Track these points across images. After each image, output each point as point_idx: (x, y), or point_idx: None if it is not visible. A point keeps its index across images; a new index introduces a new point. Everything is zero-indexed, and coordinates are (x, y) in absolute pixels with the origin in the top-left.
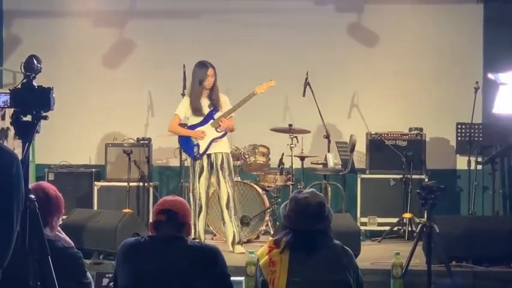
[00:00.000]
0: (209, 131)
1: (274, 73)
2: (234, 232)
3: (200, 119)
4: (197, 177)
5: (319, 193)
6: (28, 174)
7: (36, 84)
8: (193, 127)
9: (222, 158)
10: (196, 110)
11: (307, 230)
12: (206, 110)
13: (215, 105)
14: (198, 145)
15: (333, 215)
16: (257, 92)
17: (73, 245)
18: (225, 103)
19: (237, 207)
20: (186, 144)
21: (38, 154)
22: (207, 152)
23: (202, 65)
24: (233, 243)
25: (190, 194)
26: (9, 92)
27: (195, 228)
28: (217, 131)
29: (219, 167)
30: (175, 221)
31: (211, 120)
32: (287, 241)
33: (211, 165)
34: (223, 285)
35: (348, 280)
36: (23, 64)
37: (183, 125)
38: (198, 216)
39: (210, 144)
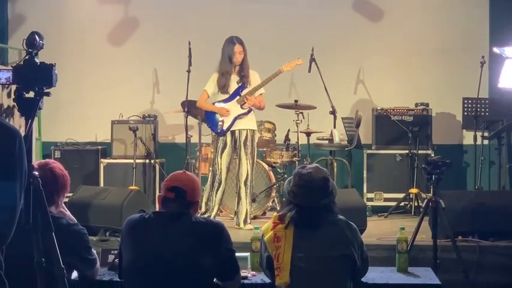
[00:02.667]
0: (234, 107)
1: (279, 49)
2: (247, 210)
3: (227, 95)
4: (219, 153)
5: (323, 168)
6: (31, 151)
7: (38, 61)
8: (219, 104)
9: (247, 134)
10: (223, 87)
11: (311, 206)
12: (234, 86)
13: (244, 82)
14: (222, 121)
15: (337, 190)
16: (283, 70)
17: (77, 222)
18: (255, 80)
19: (252, 186)
20: (211, 120)
21: (44, 132)
22: (232, 129)
23: (230, 42)
24: (245, 221)
25: (211, 169)
26: (11, 68)
27: (209, 202)
28: (242, 108)
29: (242, 144)
30: (184, 199)
31: (238, 97)
32: (291, 216)
33: (235, 142)
34: (229, 261)
35: (352, 255)
36: (24, 41)
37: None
38: (217, 190)
39: (234, 120)
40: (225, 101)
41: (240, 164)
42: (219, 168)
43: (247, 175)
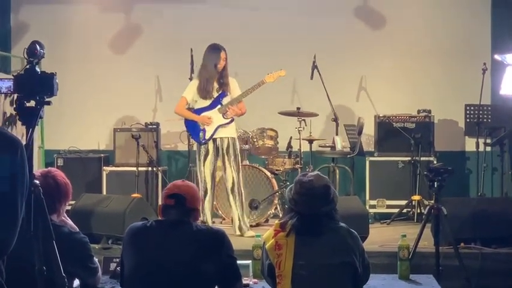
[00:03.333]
0: (216, 116)
1: (282, 57)
2: (239, 216)
3: (208, 102)
4: (202, 161)
5: (324, 176)
6: (32, 160)
7: (39, 70)
8: (200, 111)
9: (228, 142)
10: (205, 92)
11: (312, 213)
12: (215, 93)
13: (224, 89)
14: (204, 130)
15: (338, 198)
16: (266, 81)
17: (79, 230)
18: (234, 87)
19: (242, 192)
20: (193, 128)
21: (47, 140)
22: (214, 137)
23: (216, 48)
24: (240, 228)
25: (198, 178)
26: (12, 77)
27: (202, 212)
28: (224, 118)
29: (224, 152)
30: (184, 206)
31: (219, 106)
32: (292, 224)
33: (217, 150)
34: (230, 269)
35: (353, 262)
36: (25, 50)
37: (190, 109)
38: (204, 199)
39: (216, 130)
40: (206, 108)
41: (225, 173)
42: (203, 176)
43: (233, 182)
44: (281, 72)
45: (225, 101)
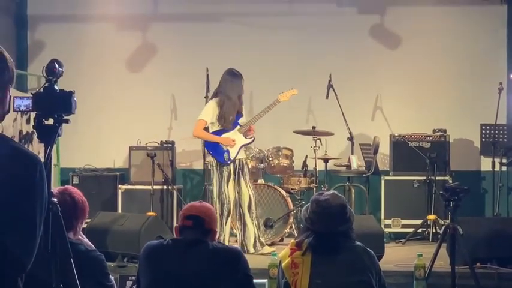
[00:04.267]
0: (238, 137)
1: (297, 76)
2: (255, 234)
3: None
4: (225, 182)
5: (341, 195)
6: (50, 178)
7: (57, 88)
8: (219, 133)
9: (243, 163)
10: (227, 122)
11: (328, 232)
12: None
13: (239, 111)
14: (228, 151)
15: (354, 217)
16: (280, 100)
17: (95, 248)
18: (244, 107)
19: (257, 210)
20: (215, 150)
21: (63, 158)
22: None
23: (239, 76)
24: (254, 245)
25: (217, 199)
26: (31, 96)
27: (220, 231)
28: (246, 138)
29: (240, 172)
30: (202, 227)
31: (238, 127)
32: (309, 243)
33: (236, 171)
34: (247, 287)
35: (370, 281)
36: (44, 68)
37: (205, 129)
38: (226, 219)
39: (239, 150)
40: (225, 130)
41: (240, 192)
42: (227, 197)
43: (250, 200)
44: (293, 91)
45: (241, 121)
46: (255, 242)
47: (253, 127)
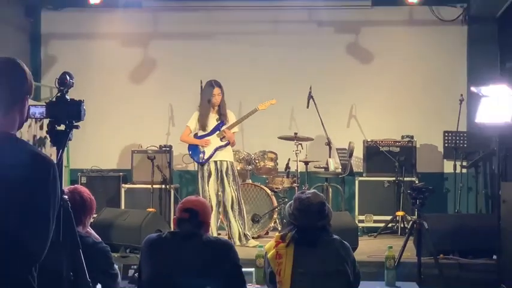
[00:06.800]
0: (214, 140)
1: (281, 88)
2: (238, 230)
3: (208, 131)
4: (206, 181)
5: (320, 193)
6: (62, 177)
7: (68, 98)
8: (201, 137)
9: (227, 165)
10: (202, 126)
11: (309, 226)
12: (212, 124)
13: (222, 120)
14: (203, 152)
15: (332, 213)
16: (259, 109)
17: (101, 240)
18: (231, 118)
19: (242, 208)
20: (194, 151)
21: (72, 160)
22: (214, 159)
23: (210, 85)
24: (240, 239)
25: (201, 196)
26: (45, 104)
27: None
28: (221, 141)
29: (224, 174)
30: (197, 219)
31: (217, 132)
32: (292, 236)
33: (217, 172)
34: (236, 276)
35: (346, 271)
36: (57, 80)
37: (195, 135)
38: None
39: (214, 151)
40: (207, 135)
41: (224, 192)
42: (208, 195)
43: (233, 200)
44: (272, 101)
45: (224, 128)
46: (239, 236)
47: (229, 134)
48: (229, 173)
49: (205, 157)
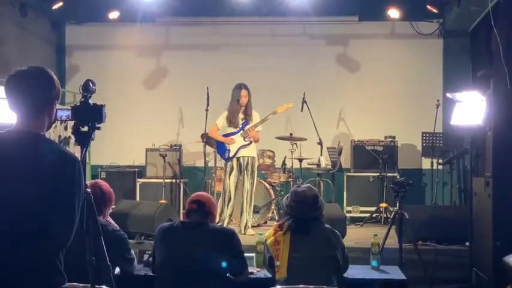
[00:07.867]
0: (238, 139)
1: (278, 93)
2: (246, 220)
3: (234, 129)
4: (228, 175)
5: (314, 187)
6: (85, 173)
7: (91, 102)
8: (227, 135)
9: (248, 160)
10: (231, 121)
11: (304, 217)
12: (240, 122)
13: (247, 119)
14: (229, 150)
15: (324, 205)
16: (278, 111)
17: (119, 228)
18: (255, 118)
19: (252, 200)
20: (220, 148)
21: (93, 157)
22: (237, 156)
23: (238, 87)
24: (245, 228)
25: (222, 188)
26: (70, 108)
27: (222, 214)
28: (244, 140)
29: (244, 168)
30: (203, 209)
31: (241, 131)
32: (288, 225)
33: (239, 166)
34: (239, 260)
35: (336, 256)
36: (81, 86)
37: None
38: (228, 204)
39: (238, 150)
40: (232, 133)
41: (243, 184)
42: (228, 187)
43: (248, 191)
44: (289, 105)
45: (247, 128)
46: (245, 226)
47: (253, 133)
48: (248, 168)
49: (231, 155)
